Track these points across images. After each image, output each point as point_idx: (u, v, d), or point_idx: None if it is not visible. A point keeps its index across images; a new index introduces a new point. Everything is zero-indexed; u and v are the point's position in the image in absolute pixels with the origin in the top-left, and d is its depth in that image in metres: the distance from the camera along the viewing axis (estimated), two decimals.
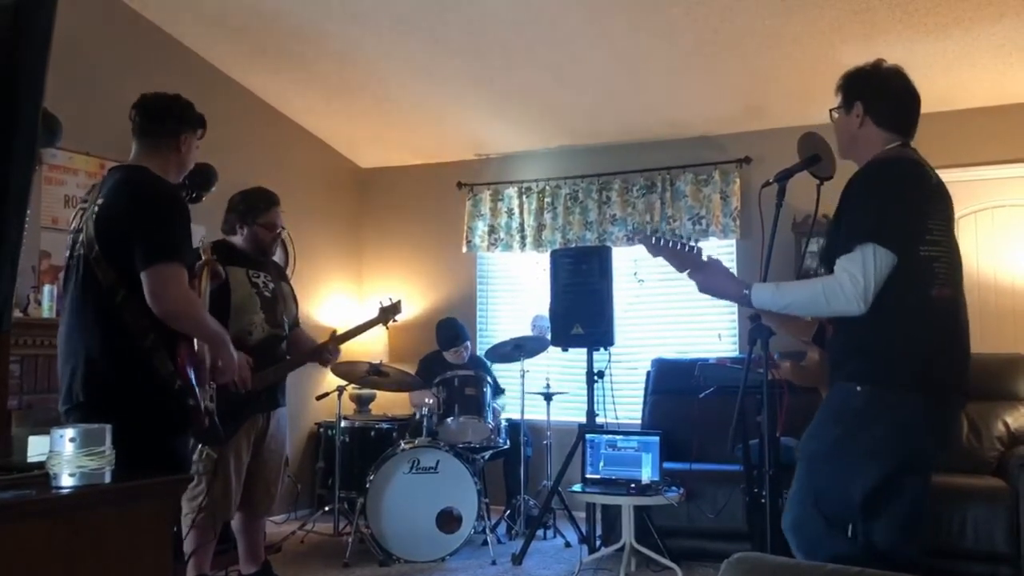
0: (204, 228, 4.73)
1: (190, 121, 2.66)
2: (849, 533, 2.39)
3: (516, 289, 6.19)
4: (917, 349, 2.23)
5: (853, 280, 2.17)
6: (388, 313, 3.93)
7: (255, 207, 3.53)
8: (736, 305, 4.86)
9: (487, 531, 4.56)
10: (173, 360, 2.42)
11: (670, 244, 2.58)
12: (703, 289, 2.50)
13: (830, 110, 2.50)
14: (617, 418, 4.59)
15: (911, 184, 2.29)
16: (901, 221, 2.22)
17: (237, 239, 3.56)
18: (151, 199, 2.45)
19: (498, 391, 5.02)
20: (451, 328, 5.46)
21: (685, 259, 2.54)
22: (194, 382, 2.46)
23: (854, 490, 2.26)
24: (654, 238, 2.62)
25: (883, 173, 2.30)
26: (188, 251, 2.49)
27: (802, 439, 2.39)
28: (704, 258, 2.54)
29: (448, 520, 4.39)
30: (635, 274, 5.65)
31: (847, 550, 2.25)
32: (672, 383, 4.92)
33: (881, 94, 2.38)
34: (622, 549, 4.05)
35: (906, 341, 2.23)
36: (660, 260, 2.59)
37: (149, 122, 2.61)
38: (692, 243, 2.61)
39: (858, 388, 2.24)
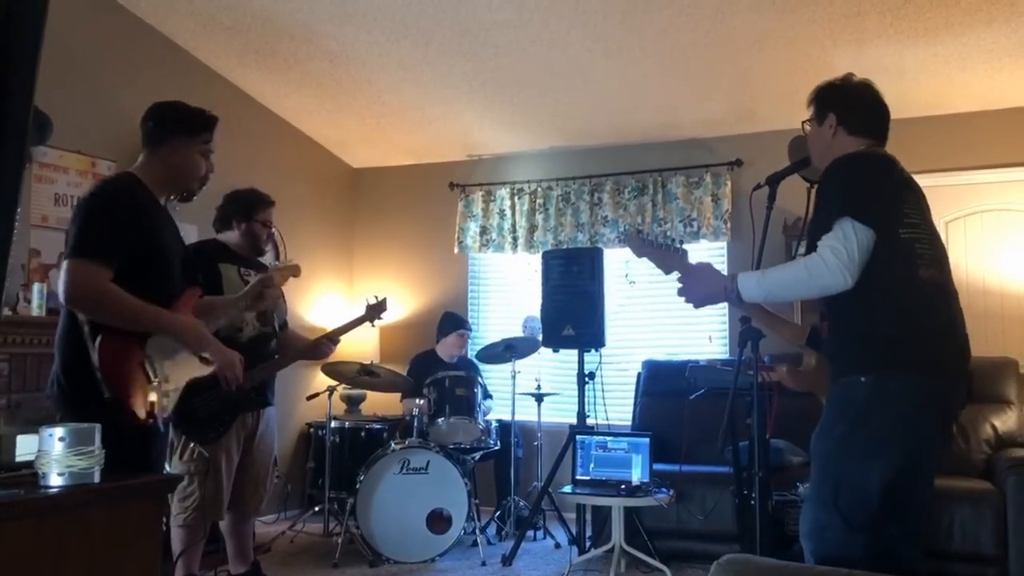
0: (196, 227, 4.72)
1: (181, 126, 2.65)
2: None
3: (507, 290, 6.19)
4: (911, 331, 2.21)
5: (835, 251, 2.15)
6: (374, 311, 3.95)
7: (256, 203, 3.61)
8: (727, 307, 4.87)
9: (477, 532, 4.56)
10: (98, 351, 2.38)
11: (655, 244, 2.56)
12: (690, 299, 2.46)
13: (803, 122, 2.53)
14: (608, 419, 4.59)
15: (881, 171, 2.32)
16: (876, 201, 2.23)
17: (230, 236, 3.59)
18: (84, 200, 2.49)
19: (486, 396, 5.02)
20: (456, 316, 5.56)
21: (671, 260, 2.52)
22: (103, 372, 2.37)
23: (872, 486, 2.17)
24: (640, 237, 2.59)
25: (852, 164, 2.33)
26: (107, 246, 2.41)
27: (812, 440, 2.33)
28: (691, 261, 2.51)
29: (438, 521, 4.39)
30: (626, 276, 5.65)
31: (866, 555, 2.14)
32: (663, 385, 4.93)
33: (853, 105, 2.43)
34: (612, 550, 4.06)
35: (900, 324, 2.21)
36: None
37: (143, 129, 2.64)
38: (678, 244, 2.58)
39: (862, 379, 2.20)
